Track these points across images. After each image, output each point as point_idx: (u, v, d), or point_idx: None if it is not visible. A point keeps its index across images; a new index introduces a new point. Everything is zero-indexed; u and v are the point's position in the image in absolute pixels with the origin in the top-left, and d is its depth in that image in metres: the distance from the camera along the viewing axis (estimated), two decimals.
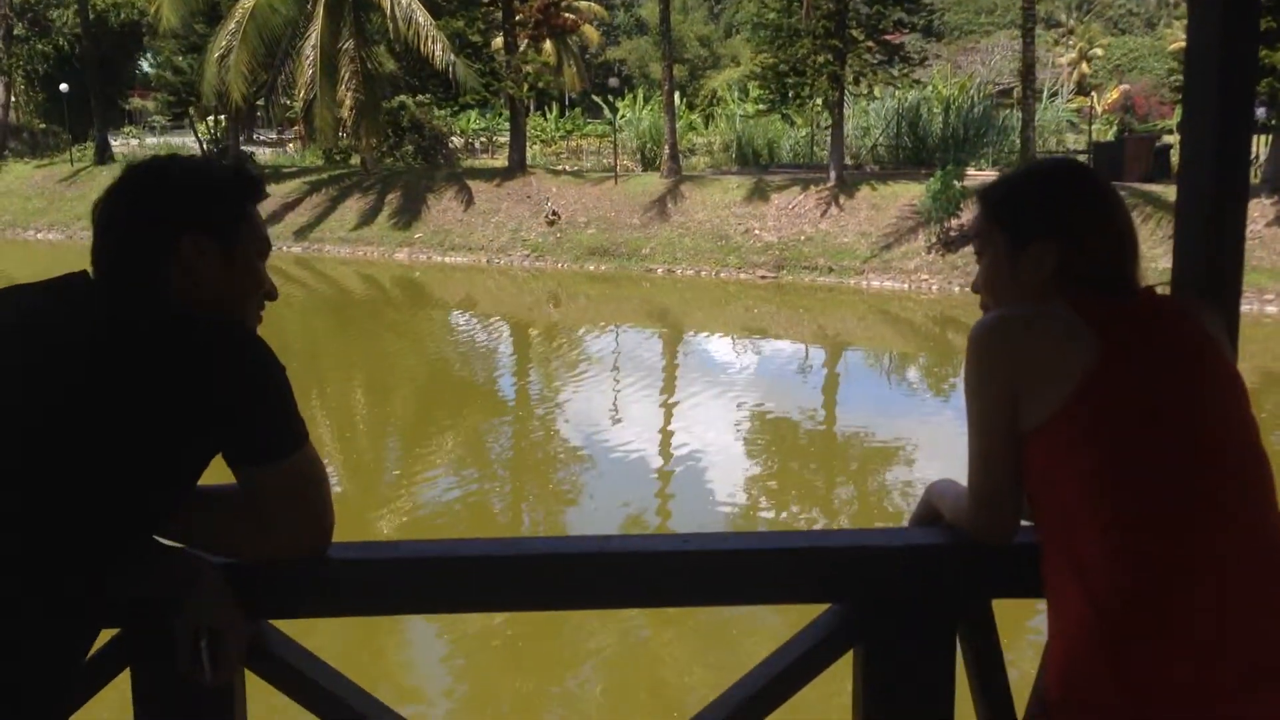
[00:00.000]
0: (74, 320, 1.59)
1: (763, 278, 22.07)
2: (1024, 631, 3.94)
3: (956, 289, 19.98)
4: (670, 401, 14.14)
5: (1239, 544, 1.59)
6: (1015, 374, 1.67)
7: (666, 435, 12.46)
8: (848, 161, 26.24)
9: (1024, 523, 1.75)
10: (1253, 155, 5.91)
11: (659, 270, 23.26)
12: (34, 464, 1.49)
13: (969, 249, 20.87)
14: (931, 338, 18.56)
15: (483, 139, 38.48)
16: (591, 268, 23.87)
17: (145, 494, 1.56)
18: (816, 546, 1.85)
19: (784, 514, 10.06)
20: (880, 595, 1.81)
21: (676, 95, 30.32)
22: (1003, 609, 1.86)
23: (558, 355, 17.41)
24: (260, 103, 33.28)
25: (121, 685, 1.77)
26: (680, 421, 13.02)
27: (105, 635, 1.74)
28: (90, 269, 1.67)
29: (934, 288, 20.70)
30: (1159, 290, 1.78)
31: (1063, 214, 1.76)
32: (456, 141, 36.01)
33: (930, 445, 11.41)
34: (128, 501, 1.55)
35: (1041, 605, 1.71)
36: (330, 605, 1.82)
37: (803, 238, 22.88)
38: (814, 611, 1.89)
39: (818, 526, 9.79)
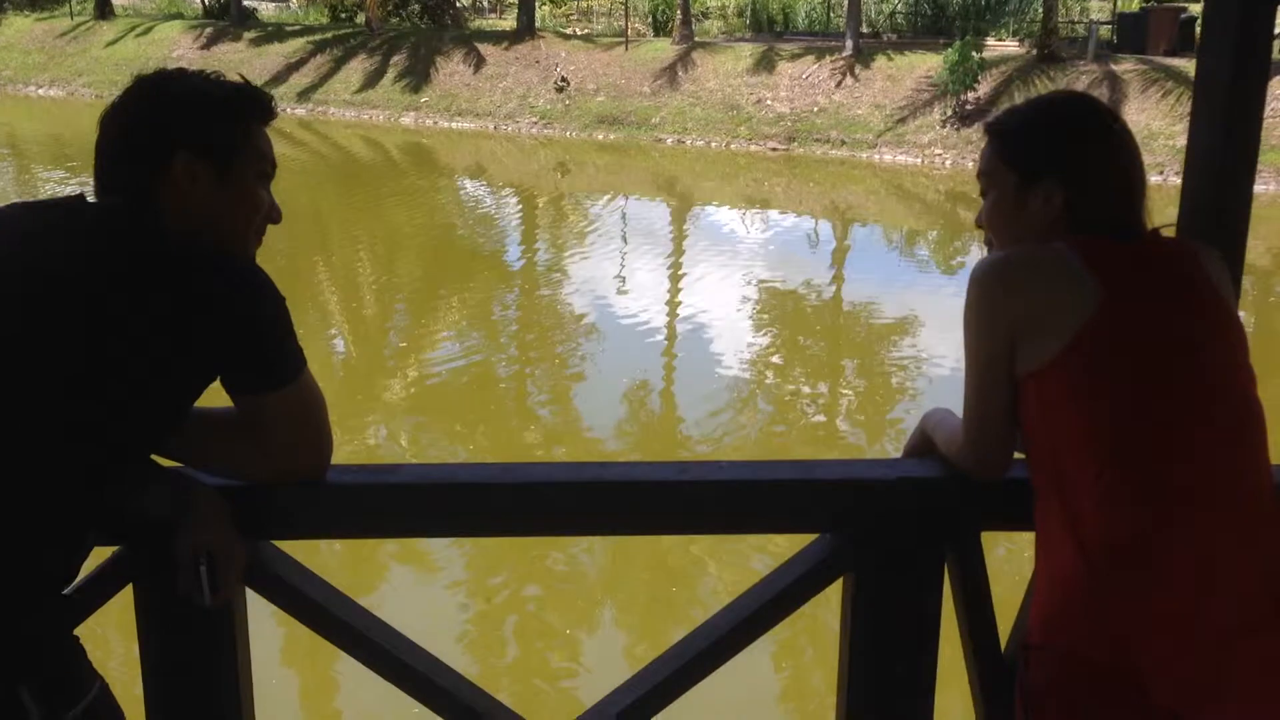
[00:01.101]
0: (73, 248, 1.57)
1: (773, 150, 21.81)
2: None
3: (970, 164, 19.72)
4: (678, 272, 14.09)
5: (1228, 499, 1.59)
6: (1014, 316, 1.66)
7: (674, 305, 12.45)
8: (864, 29, 25.71)
9: (1016, 455, 1.76)
10: None
11: (668, 140, 22.97)
12: (33, 392, 1.49)
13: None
14: (943, 214, 18.40)
15: None
16: (600, 136, 23.58)
17: (144, 417, 1.56)
18: (811, 479, 1.87)
19: (789, 385, 10.09)
20: (872, 525, 1.84)
21: None
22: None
23: (565, 224, 17.30)
24: None
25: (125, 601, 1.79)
26: (687, 292, 13.00)
27: (107, 553, 1.76)
28: (92, 183, 1.67)
29: (948, 163, 20.46)
30: (1164, 232, 1.76)
31: (1071, 155, 1.73)
32: (464, 0, 35.28)
33: (937, 321, 11.38)
34: (126, 425, 1.54)
35: (1020, 537, 1.73)
36: (328, 527, 1.84)
37: (815, 109, 22.54)
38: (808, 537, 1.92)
39: (822, 399, 9.83)
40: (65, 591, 1.59)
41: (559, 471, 1.84)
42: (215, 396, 1.64)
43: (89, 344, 1.49)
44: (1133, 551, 1.56)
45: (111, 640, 4.02)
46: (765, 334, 11.57)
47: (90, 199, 1.66)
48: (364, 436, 8.40)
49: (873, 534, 1.85)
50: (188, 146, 1.63)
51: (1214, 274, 1.72)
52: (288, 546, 1.85)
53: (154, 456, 1.65)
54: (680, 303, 12.62)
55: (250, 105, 1.71)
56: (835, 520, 1.86)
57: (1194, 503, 1.58)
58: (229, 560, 1.65)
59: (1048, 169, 1.73)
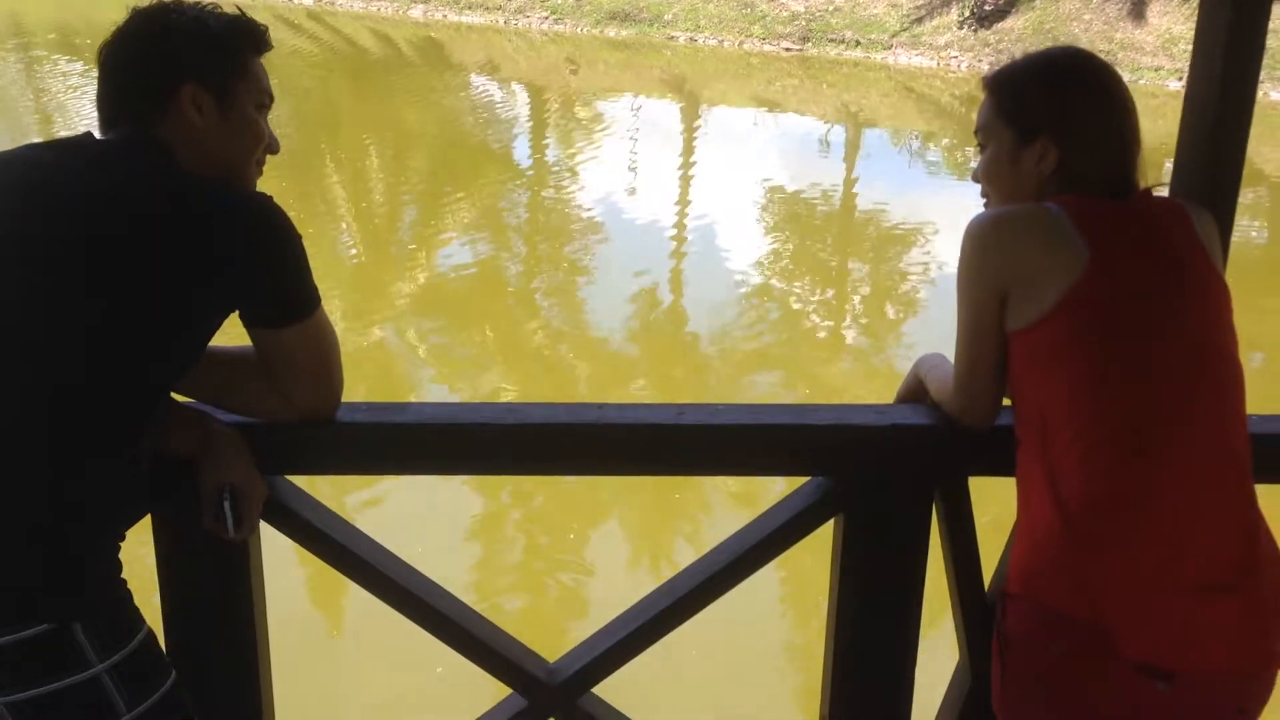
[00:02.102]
0: (92, 189, 1.60)
1: (787, 50, 21.47)
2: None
3: (987, 67, 19.43)
4: (688, 174, 14.01)
5: (1205, 459, 1.65)
6: (1004, 275, 1.70)
7: (683, 206, 12.40)
8: None
9: (1006, 402, 1.82)
10: None
11: (680, 38, 22.60)
12: (55, 334, 1.53)
13: (1003, 24, 20.36)
14: (956, 118, 18.17)
15: None
16: (611, 33, 23.21)
17: (165, 357, 1.60)
18: (805, 424, 1.92)
19: (796, 286, 10.12)
20: (863, 469, 1.91)
21: None
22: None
23: (575, 123, 17.15)
24: None
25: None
26: (696, 194, 12.93)
27: None
28: (98, 120, 1.69)
29: (964, 65, 20.15)
30: (1156, 192, 1.79)
31: (1067, 113, 1.76)
32: None
33: (949, 226, 11.34)
34: (168, 365, 1.60)
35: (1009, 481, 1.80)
36: (337, 464, 1.90)
37: (831, 8, 22.13)
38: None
39: (829, 304, 9.87)
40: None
41: (559, 413, 1.89)
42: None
43: (121, 286, 1.54)
44: (1109, 508, 1.63)
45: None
46: (774, 237, 11.55)
47: (97, 135, 1.69)
48: (372, 334, 8.46)
49: (864, 477, 1.91)
50: (194, 79, 1.67)
51: (1202, 234, 1.76)
52: (299, 481, 1.92)
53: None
54: (690, 201, 12.58)
55: (249, 37, 1.74)
56: (828, 464, 1.93)
57: (1171, 462, 1.64)
58: (251, 494, 1.72)
59: (1044, 126, 1.76)
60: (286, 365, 1.70)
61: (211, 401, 1.76)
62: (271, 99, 1.78)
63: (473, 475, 3.59)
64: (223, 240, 1.58)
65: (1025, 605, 1.69)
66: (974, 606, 1.98)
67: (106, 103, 1.70)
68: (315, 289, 1.69)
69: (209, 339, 1.66)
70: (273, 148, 1.77)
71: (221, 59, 1.70)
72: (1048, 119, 1.76)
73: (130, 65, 1.69)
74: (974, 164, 1.90)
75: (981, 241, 1.73)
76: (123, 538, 1.65)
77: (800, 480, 1.98)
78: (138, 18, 1.70)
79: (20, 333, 1.53)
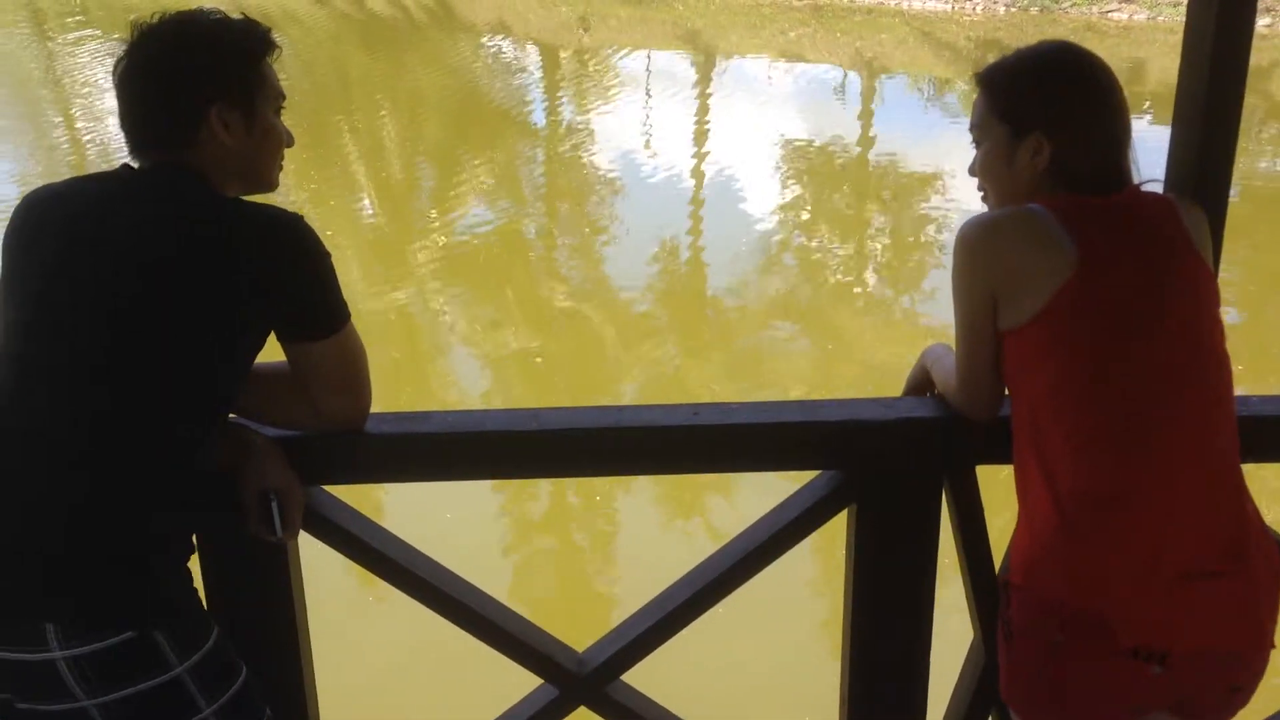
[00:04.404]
0: (133, 217, 1.70)
1: None
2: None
3: (1002, 10, 19.25)
4: (704, 128, 13.96)
5: (1193, 452, 1.71)
6: (994, 278, 1.76)
7: (700, 161, 12.37)
8: None
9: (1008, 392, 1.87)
10: None
11: None
12: (122, 358, 1.63)
13: None
14: (973, 61, 17.99)
15: None
16: None
17: (219, 374, 1.71)
18: (815, 420, 1.99)
19: (815, 241, 10.13)
20: (873, 461, 1.97)
21: None
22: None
23: (590, 80, 17.08)
24: None
25: None
26: (713, 147, 12.90)
27: None
28: (126, 143, 1.76)
29: (978, 8, 19.90)
30: (1145, 188, 1.83)
31: (1060, 110, 1.80)
32: None
33: (965, 176, 11.28)
34: (209, 382, 1.70)
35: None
36: (368, 473, 2.00)
37: None
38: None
39: (848, 250, 9.87)
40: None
41: (580, 417, 1.97)
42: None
43: (175, 309, 1.64)
44: (1101, 502, 1.70)
45: None
46: (792, 188, 11.53)
47: (132, 163, 1.77)
48: (395, 302, 8.53)
49: (874, 469, 1.98)
50: (218, 96, 1.74)
51: (1192, 230, 1.80)
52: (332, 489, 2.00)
53: None
54: (707, 154, 12.54)
55: (261, 43, 1.81)
56: (839, 458, 1.99)
57: (1160, 456, 1.70)
58: (293, 497, 1.81)
59: (1037, 121, 1.80)
60: (318, 377, 1.79)
61: (249, 415, 1.85)
62: (284, 97, 1.86)
63: (494, 479, 3.68)
64: (262, 264, 1.68)
65: (1026, 595, 1.77)
66: (985, 590, 2.04)
67: (133, 128, 1.77)
68: (345, 304, 1.78)
69: (255, 355, 1.76)
70: (288, 142, 1.86)
71: (241, 72, 1.77)
72: (1040, 114, 1.80)
73: (153, 92, 1.75)
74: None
75: (971, 246, 1.79)
76: (193, 547, 1.76)
77: (812, 473, 2.05)
78: (150, 39, 1.75)
79: (89, 357, 1.63)
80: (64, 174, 10.01)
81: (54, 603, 1.55)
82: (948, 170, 11.59)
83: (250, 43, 1.79)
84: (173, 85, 1.74)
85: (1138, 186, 1.83)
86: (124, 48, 1.76)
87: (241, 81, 1.77)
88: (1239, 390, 1.82)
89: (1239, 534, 1.72)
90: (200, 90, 1.73)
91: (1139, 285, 1.74)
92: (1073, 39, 2.00)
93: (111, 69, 1.78)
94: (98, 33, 18.04)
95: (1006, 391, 1.88)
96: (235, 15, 1.82)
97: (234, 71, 1.76)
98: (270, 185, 1.85)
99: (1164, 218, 1.80)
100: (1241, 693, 1.77)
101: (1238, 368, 1.86)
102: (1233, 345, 1.80)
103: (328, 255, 1.74)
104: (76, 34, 18.66)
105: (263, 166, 1.82)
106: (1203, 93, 1.91)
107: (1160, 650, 1.68)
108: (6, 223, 1.74)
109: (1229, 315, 5.90)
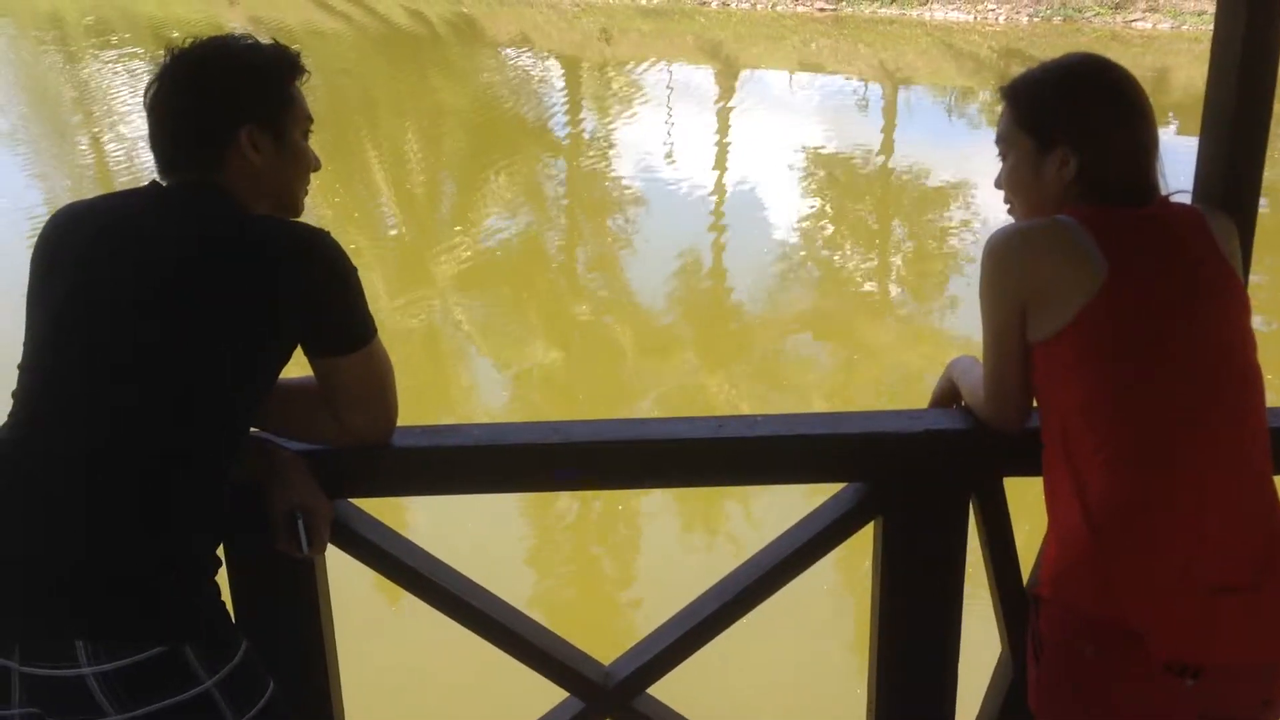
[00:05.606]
0: (164, 234, 1.72)
1: (820, 10, 21.27)
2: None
3: (1025, 20, 19.23)
4: (725, 140, 13.98)
5: (1223, 464, 1.70)
6: (1023, 290, 1.75)
7: (722, 172, 12.39)
8: None
9: (1037, 404, 1.86)
10: None
11: (713, 3, 22.45)
12: (142, 370, 1.64)
13: None
14: (995, 71, 17.97)
15: None
16: (643, 1, 23.10)
17: (256, 389, 1.73)
18: (839, 433, 1.99)
19: (838, 253, 10.11)
20: (900, 474, 1.96)
21: None
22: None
23: (611, 93, 17.12)
24: None
25: None
26: (735, 158, 12.91)
27: None
28: (155, 163, 1.79)
29: (1000, 18, 19.89)
30: (1174, 199, 1.81)
31: (1086, 121, 1.79)
32: None
33: (991, 180, 11.24)
34: (240, 398, 1.71)
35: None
36: (395, 487, 1.99)
37: None
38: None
39: (872, 261, 9.84)
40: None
41: (605, 430, 1.98)
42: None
43: (205, 326, 1.65)
44: (1131, 514, 1.68)
45: None
46: (814, 199, 11.52)
47: (160, 181, 1.79)
48: (418, 311, 8.56)
49: (900, 481, 1.97)
50: (249, 120, 1.77)
51: (1221, 240, 1.79)
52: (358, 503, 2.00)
53: None
54: (728, 168, 12.55)
55: (290, 67, 1.83)
56: (864, 470, 1.98)
57: (1190, 468, 1.69)
58: (320, 514, 1.82)
59: (1063, 134, 1.79)
60: (344, 392, 1.80)
61: (275, 430, 1.86)
62: (312, 120, 1.88)
63: (519, 492, 3.69)
64: (289, 278, 1.69)
65: (1056, 608, 1.76)
66: (1014, 602, 2.03)
67: (163, 149, 1.79)
68: (372, 319, 1.79)
69: (280, 370, 1.77)
70: (315, 165, 1.88)
71: (271, 95, 1.80)
72: (1066, 127, 1.79)
73: (184, 114, 1.78)
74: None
75: (1000, 257, 1.78)
76: (220, 561, 1.77)
77: (838, 486, 2.04)
78: (182, 63, 1.78)
79: (112, 369, 1.64)
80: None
81: (83, 619, 1.56)
82: (971, 181, 11.57)
83: (281, 67, 1.82)
84: (204, 107, 1.77)
85: (1166, 198, 1.81)
86: (155, 70, 1.78)
87: (271, 104, 1.79)
88: (1271, 402, 1.80)
89: (1271, 547, 1.70)
90: (231, 112, 1.76)
91: (1168, 297, 1.73)
92: (1096, 48, 2.00)
93: (143, 92, 1.81)
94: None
95: (1034, 403, 1.87)
96: (265, 40, 1.85)
97: (264, 94, 1.79)
98: (297, 209, 1.87)
99: (1193, 229, 1.78)
100: (1273, 706, 1.75)
101: (1269, 377, 1.85)
102: (1263, 355, 1.79)
103: (354, 270, 1.75)
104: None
105: (290, 189, 1.85)
106: (1231, 102, 1.90)
107: (1194, 665, 1.66)
108: (37, 238, 1.76)
109: (1258, 322, 5.87)
